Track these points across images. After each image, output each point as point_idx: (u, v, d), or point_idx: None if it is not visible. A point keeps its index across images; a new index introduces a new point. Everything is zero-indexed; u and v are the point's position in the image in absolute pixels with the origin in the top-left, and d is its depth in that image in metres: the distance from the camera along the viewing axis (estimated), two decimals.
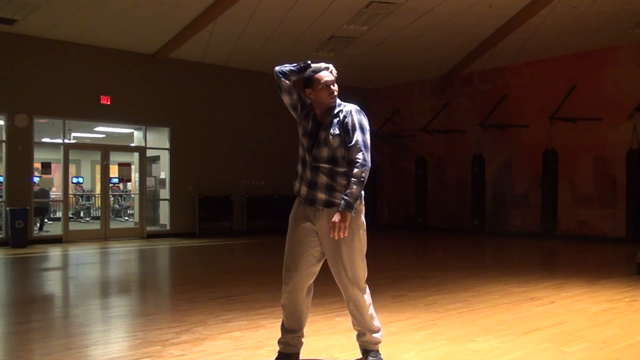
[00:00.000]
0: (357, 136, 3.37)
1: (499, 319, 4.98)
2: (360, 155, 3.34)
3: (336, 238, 3.34)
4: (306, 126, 3.50)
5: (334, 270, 3.49)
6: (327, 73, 3.46)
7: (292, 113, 3.61)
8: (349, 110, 3.46)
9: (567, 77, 13.13)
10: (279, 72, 3.50)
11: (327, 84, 3.42)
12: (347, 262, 3.43)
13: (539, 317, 5.10)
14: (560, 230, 13.24)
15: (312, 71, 3.46)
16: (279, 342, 3.60)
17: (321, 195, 3.41)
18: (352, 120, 3.41)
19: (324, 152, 3.40)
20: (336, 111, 3.46)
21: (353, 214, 3.37)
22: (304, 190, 3.48)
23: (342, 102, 3.53)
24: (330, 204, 3.41)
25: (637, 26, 11.42)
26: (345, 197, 3.31)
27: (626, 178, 12.25)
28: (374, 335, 3.54)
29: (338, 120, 3.43)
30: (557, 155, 13.26)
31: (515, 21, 11.44)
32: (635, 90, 12.13)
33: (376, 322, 3.56)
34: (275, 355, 3.59)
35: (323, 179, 3.40)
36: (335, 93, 3.47)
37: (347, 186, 3.33)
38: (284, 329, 3.57)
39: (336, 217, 3.31)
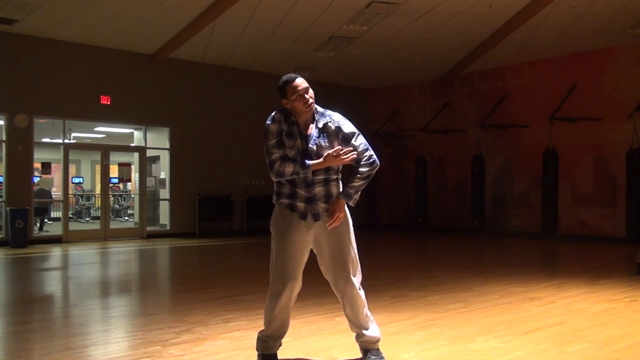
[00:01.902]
0: (360, 139, 3.45)
1: (499, 319, 4.98)
2: (368, 153, 3.44)
3: (330, 227, 3.42)
4: (295, 145, 3.42)
5: (335, 270, 3.49)
6: (301, 81, 3.37)
7: None
8: (337, 121, 3.46)
9: (567, 77, 13.12)
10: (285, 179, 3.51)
11: (300, 94, 3.35)
12: (349, 261, 3.48)
13: (539, 317, 5.10)
14: (561, 230, 13.24)
15: (285, 81, 3.37)
16: (261, 346, 3.54)
17: (322, 206, 3.46)
18: (345, 128, 3.45)
19: None
20: (319, 121, 3.44)
21: (351, 204, 3.47)
22: (300, 206, 3.48)
23: (321, 110, 3.49)
24: None
25: (637, 26, 11.42)
26: (348, 189, 3.43)
27: (626, 178, 12.24)
28: (372, 333, 3.55)
29: (320, 130, 3.43)
30: (557, 155, 13.27)
31: (515, 21, 11.43)
32: (635, 90, 12.12)
33: (372, 321, 3.58)
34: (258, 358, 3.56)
35: (320, 190, 3.45)
36: (310, 101, 3.39)
37: (352, 181, 3.43)
38: (271, 337, 3.51)
39: (334, 206, 3.41)
